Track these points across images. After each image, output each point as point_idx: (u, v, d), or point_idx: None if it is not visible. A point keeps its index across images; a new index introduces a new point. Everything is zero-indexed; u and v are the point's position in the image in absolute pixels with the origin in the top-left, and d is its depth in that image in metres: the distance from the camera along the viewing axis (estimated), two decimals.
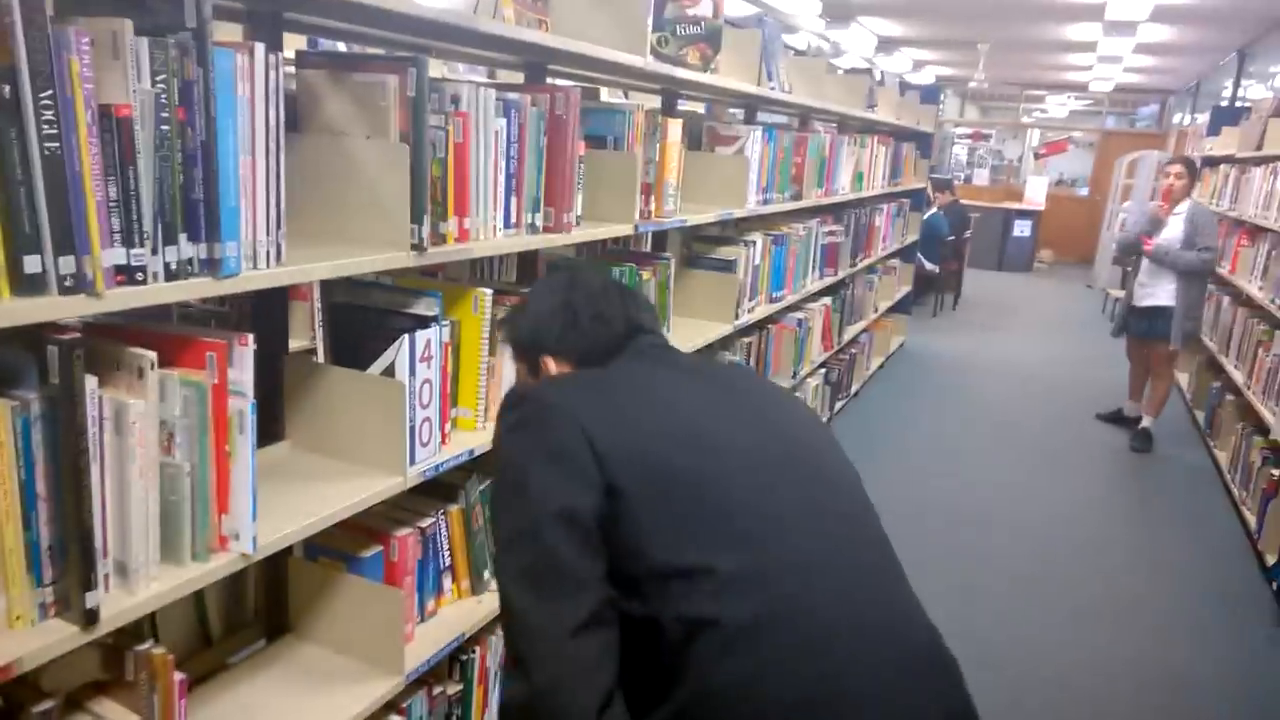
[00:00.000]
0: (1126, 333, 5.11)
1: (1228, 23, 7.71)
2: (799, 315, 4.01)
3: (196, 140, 1.15)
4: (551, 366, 1.26)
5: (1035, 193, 12.65)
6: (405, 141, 1.53)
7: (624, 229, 2.31)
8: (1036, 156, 14.64)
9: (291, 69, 1.60)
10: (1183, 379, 6.29)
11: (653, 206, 2.48)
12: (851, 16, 8.52)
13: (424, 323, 1.61)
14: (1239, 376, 4.61)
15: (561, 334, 1.26)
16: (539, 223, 1.96)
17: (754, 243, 3.31)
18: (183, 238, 1.14)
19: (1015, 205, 12.33)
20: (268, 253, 1.26)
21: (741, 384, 1.20)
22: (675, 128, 2.53)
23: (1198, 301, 4.95)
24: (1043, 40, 9.40)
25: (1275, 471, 3.59)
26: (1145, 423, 5.09)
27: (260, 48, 1.23)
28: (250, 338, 1.22)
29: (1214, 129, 6.83)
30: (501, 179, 1.81)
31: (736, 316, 3.21)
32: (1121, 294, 8.02)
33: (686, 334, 2.95)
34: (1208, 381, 5.44)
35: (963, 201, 9.48)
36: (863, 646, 0.96)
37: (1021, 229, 12.12)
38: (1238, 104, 7.75)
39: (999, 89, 14.84)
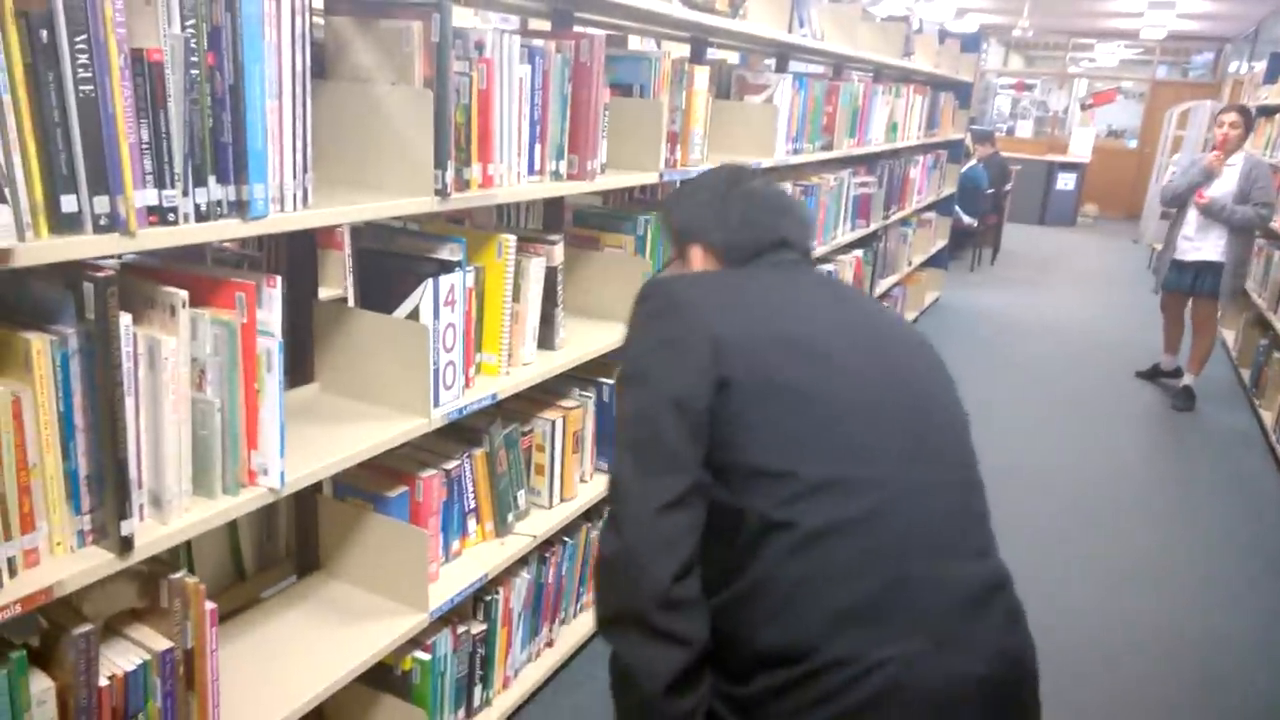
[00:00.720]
0: (1166, 288, 4.99)
1: None
2: (829, 267, 3.98)
3: (225, 85, 1.17)
4: (698, 256, 1.30)
5: (1080, 145, 12.31)
6: (429, 88, 1.54)
7: (649, 177, 2.30)
8: (1083, 107, 14.19)
9: (322, 19, 1.62)
10: (1228, 335, 6.15)
11: (679, 155, 2.47)
12: None
13: (448, 268, 1.64)
14: None
15: (711, 228, 1.29)
16: (563, 170, 1.97)
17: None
18: (212, 180, 1.17)
19: (1059, 158, 12.01)
20: (295, 196, 1.28)
21: (870, 308, 1.22)
22: (702, 75, 2.51)
23: (1247, 257, 4.82)
24: None
25: None
26: (1187, 379, 4.99)
27: None
28: (278, 279, 1.25)
29: (1271, 76, 6.57)
30: (525, 126, 1.82)
31: None
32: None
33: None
34: (1255, 339, 5.31)
35: (1004, 154, 9.25)
36: (929, 572, 1.00)
37: (1065, 182, 11.82)
38: None
39: (1045, 37, 14.36)
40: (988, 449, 4.09)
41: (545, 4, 2.37)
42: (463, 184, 1.63)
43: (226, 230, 1.18)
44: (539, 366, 2.00)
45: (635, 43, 3.66)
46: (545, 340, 2.10)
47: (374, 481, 1.64)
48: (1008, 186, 8.95)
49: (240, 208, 1.20)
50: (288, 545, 1.66)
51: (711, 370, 1.04)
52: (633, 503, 1.01)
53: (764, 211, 1.28)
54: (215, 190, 1.17)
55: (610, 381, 2.38)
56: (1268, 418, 4.58)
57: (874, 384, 1.09)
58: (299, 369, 1.63)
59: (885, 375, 1.11)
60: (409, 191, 1.51)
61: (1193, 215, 4.73)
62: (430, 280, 1.58)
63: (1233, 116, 4.67)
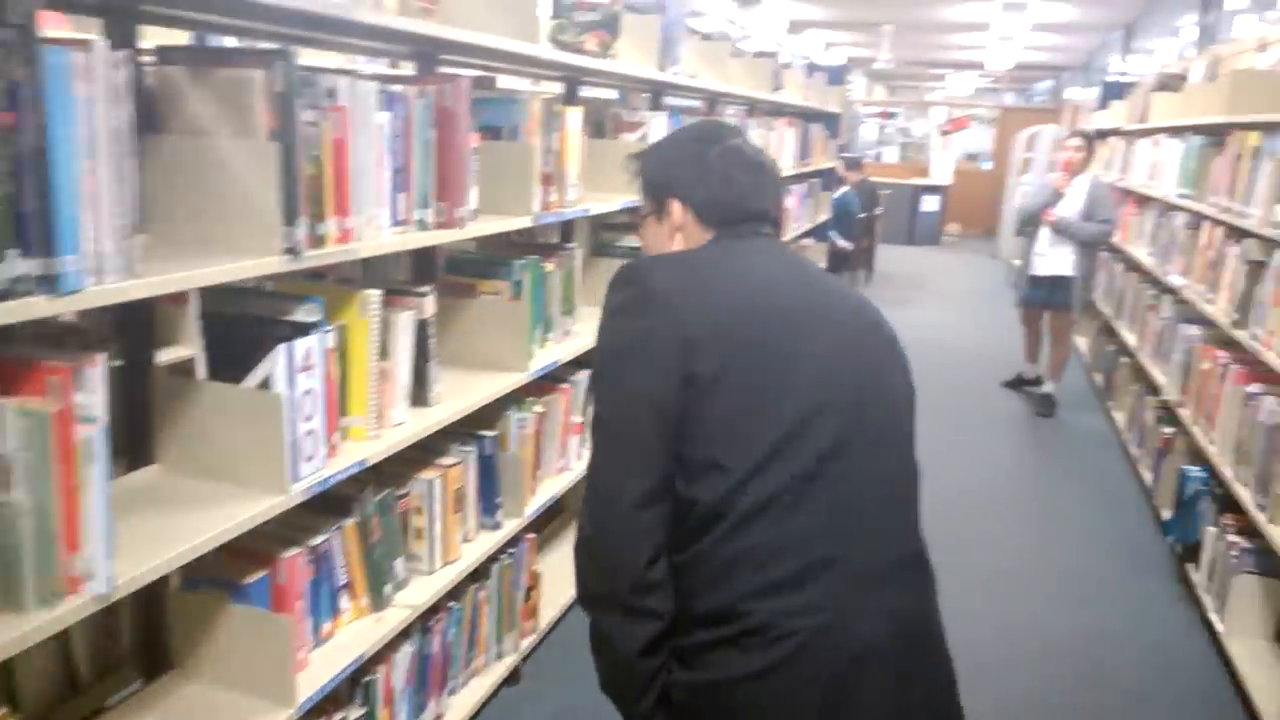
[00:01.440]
0: (1025, 303, 5.27)
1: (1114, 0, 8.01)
2: None
3: (27, 146, 1.04)
4: (677, 210, 1.29)
5: (941, 168, 12.98)
6: (275, 139, 1.44)
7: (523, 221, 2.24)
8: (941, 133, 15.00)
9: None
10: (1082, 343, 6.54)
11: (554, 197, 2.42)
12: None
13: (304, 330, 1.53)
14: (1131, 340, 4.80)
15: (692, 183, 1.29)
16: (430, 219, 1.88)
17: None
18: (13, 253, 1.04)
19: (923, 181, 12.62)
20: (116, 265, 1.16)
21: (828, 294, 1.26)
22: (574, 116, 2.47)
23: (1094, 270, 5.16)
24: (942, 21, 9.62)
25: (1167, 429, 3.75)
26: (1047, 387, 5.27)
27: (100, 44, 1.13)
28: (100, 357, 1.12)
29: (1103, 103, 7.10)
30: (386, 175, 1.73)
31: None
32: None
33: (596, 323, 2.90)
34: (1102, 346, 5.66)
35: (873, 179, 9.64)
36: (846, 553, 1.12)
37: (929, 204, 12.42)
38: (1124, 79, 8.07)
39: (904, 69, 15.15)
40: None
41: (408, 47, 2.30)
42: (317, 240, 1.53)
43: (32, 310, 1.04)
44: (413, 426, 1.89)
45: (515, 83, 3.60)
46: (419, 397, 2.00)
47: (229, 567, 1.50)
48: (878, 210, 9.32)
49: (49, 283, 1.07)
50: (132, 646, 1.49)
51: (679, 370, 1.11)
52: (610, 497, 1.11)
53: (744, 171, 1.29)
54: (18, 265, 1.04)
55: (493, 434, 2.29)
56: (1119, 419, 4.87)
57: (821, 379, 1.16)
58: (137, 449, 1.48)
59: (834, 368, 1.18)
60: (257, 251, 1.40)
61: (1045, 233, 5.04)
62: (283, 346, 1.46)
63: (1076, 141, 5.01)
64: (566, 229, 3.16)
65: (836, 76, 6.77)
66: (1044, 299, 5.11)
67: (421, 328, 1.96)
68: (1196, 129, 4.05)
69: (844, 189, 7.94)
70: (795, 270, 1.27)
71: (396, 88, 1.75)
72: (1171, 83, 5.12)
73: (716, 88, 3.83)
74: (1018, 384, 5.62)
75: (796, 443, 1.12)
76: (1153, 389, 4.22)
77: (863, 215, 8.40)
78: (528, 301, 2.40)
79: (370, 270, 2.33)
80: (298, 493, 1.46)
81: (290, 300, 1.57)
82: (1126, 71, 8.98)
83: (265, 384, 1.46)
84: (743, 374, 1.12)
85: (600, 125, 3.23)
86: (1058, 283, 5.02)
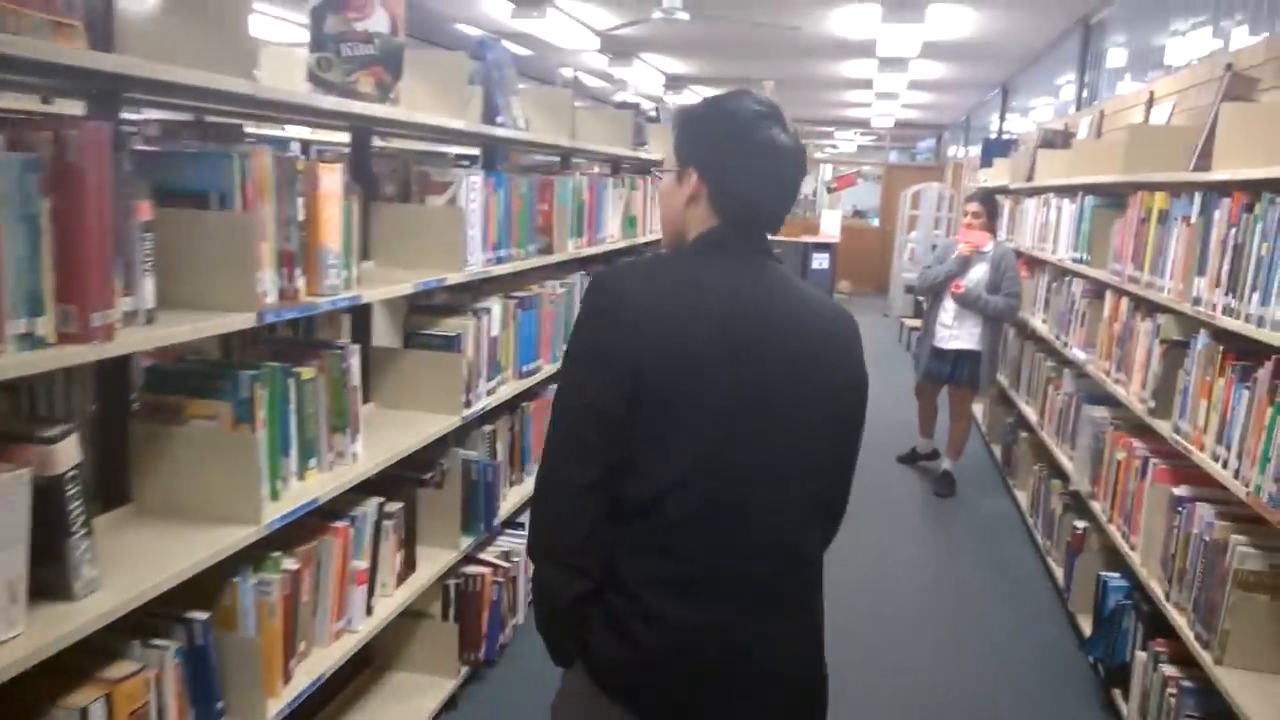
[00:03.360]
0: (927, 376, 4.85)
1: (990, 59, 7.99)
2: None
3: None
4: (694, 184, 1.33)
5: (830, 225, 12.89)
6: None
7: (239, 320, 1.61)
8: (829, 190, 15.05)
9: None
10: (977, 410, 6.23)
11: (298, 283, 1.80)
12: (633, 53, 8.21)
13: None
14: (1031, 414, 4.45)
15: (718, 165, 1.32)
16: (45, 330, 1.25)
17: (487, 310, 2.69)
18: None
19: (813, 238, 12.49)
20: None
21: (787, 319, 1.30)
22: (330, 176, 1.87)
23: (1000, 345, 4.83)
24: (824, 77, 9.51)
25: (1078, 524, 3.34)
26: (946, 465, 4.87)
27: None
28: None
29: (986, 160, 6.95)
30: None
31: (467, 404, 2.57)
32: (917, 324, 8.07)
33: (396, 435, 2.28)
34: (1001, 416, 5.33)
35: None
36: (732, 568, 1.29)
37: (820, 261, 12.26)
38: (1004, 136, 8.02)
39: (791, 125, 15.19)
40: None
41: (76, 82, 1.67)
42: None
43: None
44: (41, 634, 1.24)
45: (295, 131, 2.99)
46: (54, 587, 1.35)
47: None
48: None
49: None
50: None
51: (629, 386, 1.24)
52: (558, 479, 1.29)
53: (767, 176, 1.31)
54: None
55: (204, 616, 1.63)
56: (1022, 498, 4.50)
57: (746, 405, 1.26)
58: None
59: (761, 394, 1.27)
60: None
61: (949, 303, 4.66)
62: None
63: (974, 207, 4.68)
64: (360, 318, 2.54)
65: None
66: (948, 374, 4.72)
67: (49, 489, 1.31)
68: (1089, 188, 3.74)
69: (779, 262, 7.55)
70: (764, 296, 1.30)
71: None
72: (1056, 139, 4.89)
73: (556, 142, 3.30)
74: (912, 459, 5.22)
75: (709, 465, 1.26)
76: (1057, 470, 3.84)
77: None
78: (266, 425, 1.76)
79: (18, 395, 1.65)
80: None
81: None
82: (1008, 130, 9.00)
83: None
84: (678, 399, 1.25)
85: (406, 186, 2.64)
86: (963, 357, 4.64)
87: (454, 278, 2.41)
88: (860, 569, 3.77)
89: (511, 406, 3.04)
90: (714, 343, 1.24)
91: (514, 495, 3.03)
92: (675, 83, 9.95)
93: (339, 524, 2.07)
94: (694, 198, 1.33)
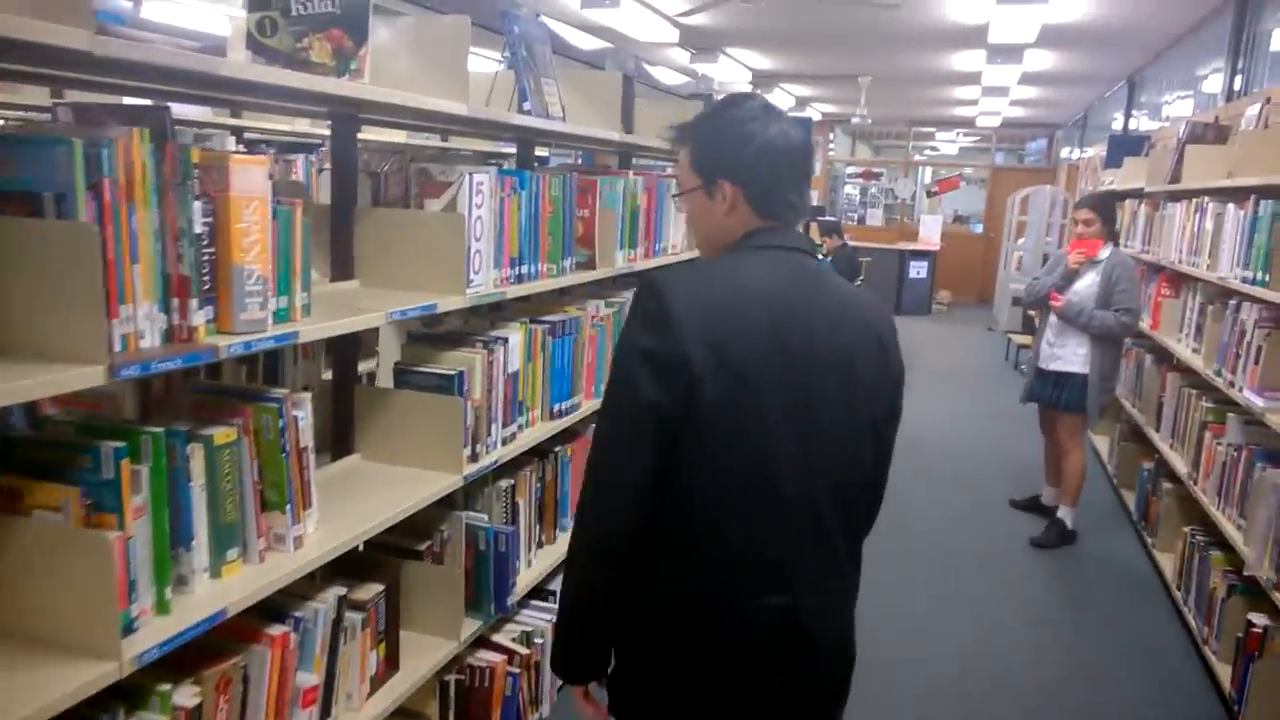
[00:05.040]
0: (1030, 399, 4.20)
1: (1117, 47, 7.10)
2: None
3: None
4: (729, 192, 1.35)
5: (930, 231, 12.04)
6: None
7: (75, 376, 1.12)
8: (929, 194, 14.13)
9: None
10: (1100, 443, 5.42)
11: (198, 319, 1.32)
12: (716, 47, 7.63)
13: None
14: (1179, 463, 3.68)
15: (746, 166, 1.34)
16: None
17: (502, 341, 2.17)
18: None
19: (910, 246, 11.67)
20: None
21: (827, 317, 1.32)
22: (248, 172, 1.38)
23: (1114, 367, 4.07)
24: (925, 71, 8.73)
25: (1256, 620, 2.61)
26: (1061, 513, 4.14)
27: None
28: None
29: (1114, 160, 6.09)
30: None
31: (473, 458, 2.06)
32: (1026, 341, 7.24)
33: (377, 500, 1.79)
34: (1134, 457, 4.53)
35: (856, 244, 8.67)
36: (778, 555, 1.31)
37: (918, 270, 11.45)
38: (1135, 134, 7.12)
39: (888, 126, 14.34)
40: None
41: None
42: None
43: None
44: None
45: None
46: None
47: None
48: (859, 280, 8.30)
49: None
50: None
51: (681, 388, 1.25)
52: (611, 471, 1.29)
53: (786, 164, 1.34)
54: None
55: None
56: (1166, 563, 3.72)
57: (794, 407, 1.29)
58: None
59: (807, 397, 1.30)
60: None
61: (1053, 318, 4.03)
62: None
63: (1084, 214, 4.02)
64: (344, 348, 2.06)
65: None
66: (1050, 398, 4.05)
67: None
68: (1265, 190, 3.00)
69: (817, 258, 6.89)
70: (807, 295, 1.32)
71: None
72: (1206, 133, 4.10)
73: (609, 135, 2.77)
74: (1033, 507, 4.48)
75: (751, 466, 1.28)
76: (1218, 540, 3.09)
77: None
78: (149, 514, 1.28)
79: None
80: None
81: None
82: (1136, 128, 8.04)
83: None
84: (731, 402, 1.26)
85: (407, 185, 2.16)
86: (1065, 380, 3.97)
87: (448, 302, 1.91)
88: (960, 636, 3.12)
89: (542, 453, 2.53)
90: (764, 345, 1.28)
91: (544, 559, 2.51)
92: (763, 80, 9.31)
93: (276, 629, 1.58)
94: (733, 206, 1.36)
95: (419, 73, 1.90)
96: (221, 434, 1.44)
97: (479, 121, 2.09)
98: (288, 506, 1.57)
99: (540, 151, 5.22)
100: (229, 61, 1.30)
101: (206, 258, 1.34)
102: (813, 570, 1.33)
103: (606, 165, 3.66)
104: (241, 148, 3.65)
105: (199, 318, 1.33)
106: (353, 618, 1.79)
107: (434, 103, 1.80)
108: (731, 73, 8.52)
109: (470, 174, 1.93)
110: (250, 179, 1.38)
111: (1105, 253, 3.95)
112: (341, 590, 1.74)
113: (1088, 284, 3.92)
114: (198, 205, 1.31)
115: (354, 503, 1.84)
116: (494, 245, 2.06)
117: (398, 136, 4.56)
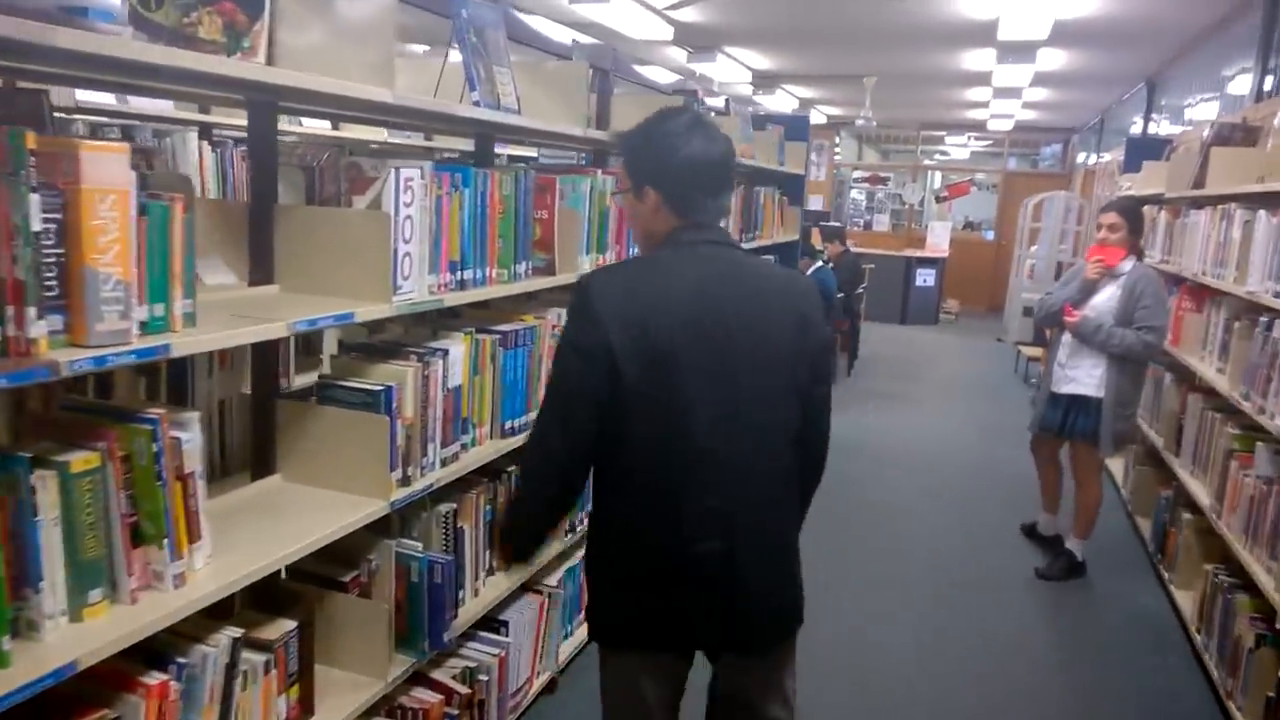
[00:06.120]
0: (1040, 427, 3.85)
1: (1136, 45, 6.84)
2: None
3: None
4: (653, 197, 1.59)
5: (939, 238, 11.77)
6: None
7: None
8: (938, 200, 13.86)
9: None
10: (1114, 467, 5.14)
11: (38, 330, 1.13)
12: (715, 47, 7.43)
13: None
14: (1200, 494, 3.41)
15: (666, 174, 1.57)
16: None
17: (441, 353, 1.98)
18: None
19: (917, 253, 11.41)
20: None
21: (744, 300, 1.56)
22: (103, 161, 1.19)
23: (1134, 392, 3.69)
24: (933, 71, 8.49)
25: None
26: (1070, 544, 3.87)
27: None
28: None
29: (1132, 164, 5.84)
30: None
31: (404, 480, 1.87)
32: (1037, 354, 6.92)
33: (289, 527, 1.59)
34: (1151, 483, 4.28)
35: (855, 251, 8.44)
36: (716, 503, 1.55)
37: (925, 278, 11.19)
38: (1156, 137, 6.87)
39: (896, 130, 14.09)
40: (824, 653, 2.49)
41: None
42: None
43: None
44: None
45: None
46: None
47: None
48: (861, 288, 8.08)
49: None
50: None
51: (605, 373, 1.49)
52: (548, 449, 1.57)
53: (707, 170, 1.58)
54: None
55: None
56: (1183, 601, 3.45)
57: (716, 372, 1.52)
58: None
59: (730, 362, 1.53)
60: None
61: (1067, 337, 3.68)
62: None
63: (1111, 217, 3.65)
64: (261, 358, 1.87)
65: (798, 130, 5.54)
66: (1060, 425, 3.72)
67: None
68: None
69: (817, 264, 6.68)
70: (724, 275, 1.57)
71: None
72: (1234, 135, 3.85)
73: (571, 131, 2.57)
74: (1031, 534, 4.24)
75: (677, 436, 1.53)
76: (1245, 583, 2.84)
77: (842, 295, 7.14)
78: None
79: None
80: None
81: None
82: (1155, 132, 7.78)
83: None
84: (653, 377, 1.50)
85: (339, 181, 1.97)
86: (1078, 404, 3.64)
87: (369, 311, 1.71)
88: (954, 677, 2.89)
89: (493, 473, 2.33)
90: (681, 324, 1.50)
91: (494, 588, 2.32)
92: (764, 80, 9.08)
93: (154, 678, 1.39)
94: (656, 209, 1.59)
95: (344, 56, 1.71)
96: (80, 460, 1.26)
97: (415, 112, 1.90)
98: (166, 540, 1.38)
99: (529, 153, 5.03)
100: (69, 33, 1.11)
101: (51, 259, 1.16)
102: (744, 514, 1.56)
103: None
104: (206, 144, 3.47)
105: (39, 328, 1.14)
106: (253, 659, 1.60)
107: (351, 88, 1.61)
108: (731, 73, 8.31)
109: (397, 169, 1.74)
110: (106, 169, 1.19)
111: (1127, 265, 3.60)
112: (236, 632, 1.54)
113: (1106, 298, 3.58)
114: (35, 198, 1.12)
115: (264, 530, 1.65)
116: (429, 248, 1.87)
117: (379, 134, 4.38)
